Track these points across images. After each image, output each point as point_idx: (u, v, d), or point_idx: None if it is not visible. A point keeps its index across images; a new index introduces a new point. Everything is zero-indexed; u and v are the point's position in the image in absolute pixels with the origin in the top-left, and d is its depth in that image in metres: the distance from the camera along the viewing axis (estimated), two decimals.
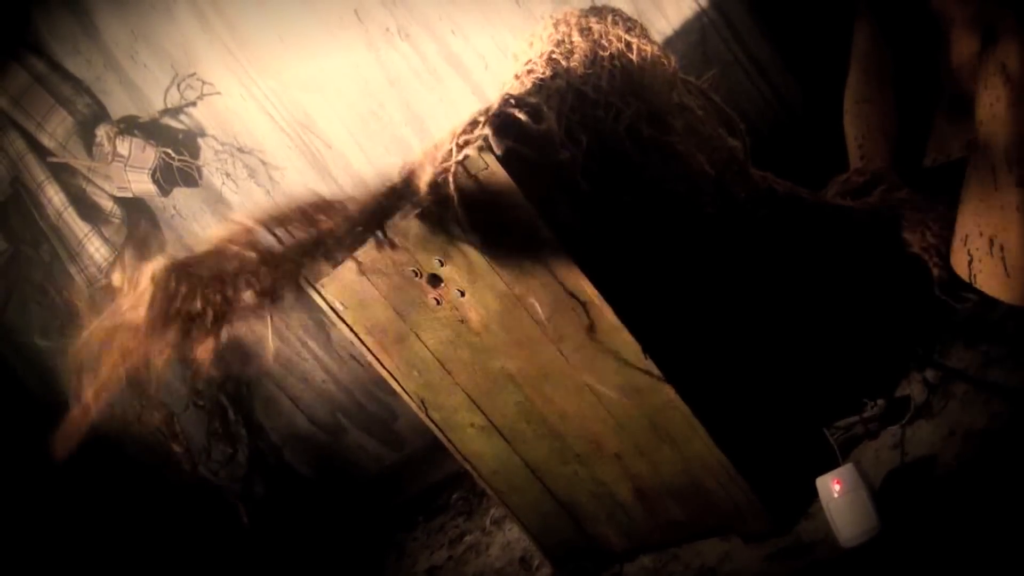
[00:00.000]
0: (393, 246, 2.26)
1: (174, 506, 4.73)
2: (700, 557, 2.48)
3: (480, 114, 2.12)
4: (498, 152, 2.04)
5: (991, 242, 2.33)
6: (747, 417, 2.38)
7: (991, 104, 2.35)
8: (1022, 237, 2.24)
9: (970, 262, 2.44)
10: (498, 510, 3.55)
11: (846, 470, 2.16)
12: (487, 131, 2.05)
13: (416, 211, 2.19)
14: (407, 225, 2.22)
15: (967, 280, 2.48)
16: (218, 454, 4.65)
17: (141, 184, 3.98)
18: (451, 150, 2.10)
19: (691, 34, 3.33)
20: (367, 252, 2.34)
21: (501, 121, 2.09)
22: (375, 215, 2.19)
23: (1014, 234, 2.25)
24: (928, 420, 2.34)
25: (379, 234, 2.22)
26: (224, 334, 2.14)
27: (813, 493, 2.22)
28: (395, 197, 2.20)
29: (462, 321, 2.35)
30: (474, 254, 2.19)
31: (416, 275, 2.31)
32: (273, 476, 4.76)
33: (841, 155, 3.11)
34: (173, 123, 4.03)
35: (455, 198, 2.10)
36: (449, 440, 2.73)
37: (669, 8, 3.31)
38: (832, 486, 2.14)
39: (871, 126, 3.03)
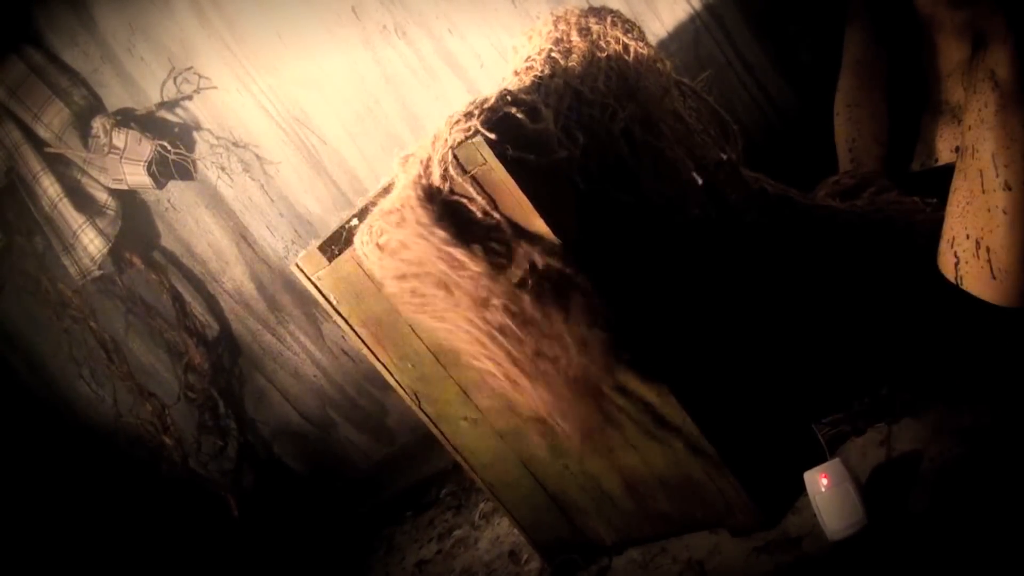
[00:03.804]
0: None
1: (164, 498, 4.74)
2: (688, 550, 2.52)
3: (476, 108, 2.15)
4: (496, 149, 2.06)
5: (977, 244, 2.37)
6: (737, 412, 2.41)
7: (979, 109, 2.39)
8: (1008, 239, 2.28)
9: (956, 264, 2.47)
10: (487, 505, 3.58)
11: (833, 465, 2.19)
12: (484, 128, 2.08)
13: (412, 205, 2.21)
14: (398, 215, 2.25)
15: (954, 281, 2.52)
16: (208, 447, 4.67)
17: (136, 176, 3.99)
18: (447, 142, 2.13)
19: (684, 36, 3.36)
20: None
21: (499, 118, 2.12)
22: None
23: (1000, 236, 2.30)
24: (914, 418, 2.38)
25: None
26: None
27: (801, 487, 2.25)
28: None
29: None
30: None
31: None
32: (262, 470, 4.77)
33: (831, 157, 3.14)
34: (169, 116, 4.05)
35: (452, 192, 2.14)
36: (442, 433, 2.75)
37: (663, 10, 3.34)
38: (819, 480, 2.18)
39: (861, 130, 3.07)
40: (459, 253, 2.10)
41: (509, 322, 2.11)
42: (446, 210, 2.13)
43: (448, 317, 2.19)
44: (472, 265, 2.10)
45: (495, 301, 2.10)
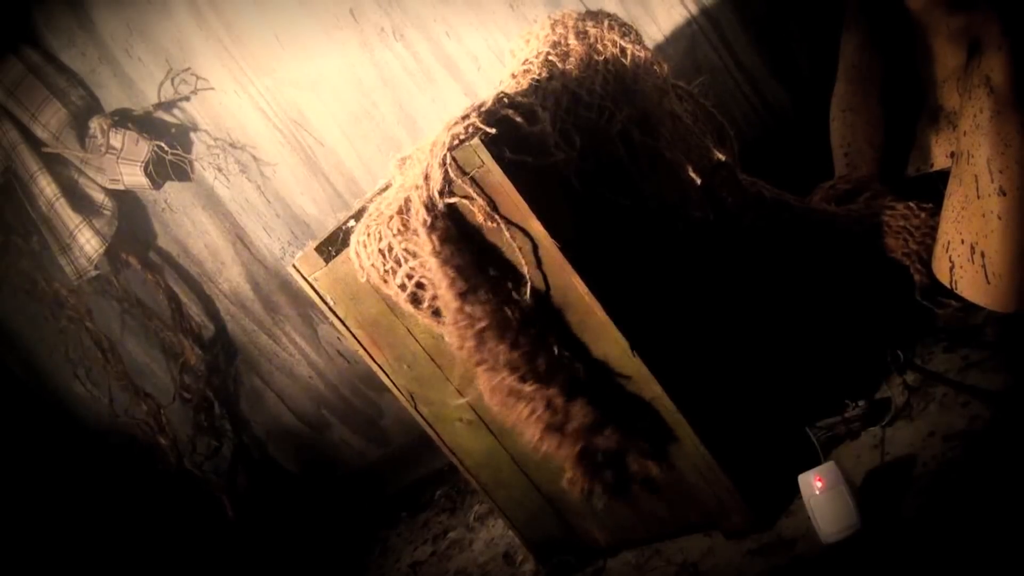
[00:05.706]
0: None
1: (159, 498, 4.74)
2: (682, 552, 2.52)
3: (474, 111, 2.16)
4: (493, 151, 2.07)
5: (972, 249, 2.38)
6: (732, 415, 2.42)
7: (975, 115, 2.41)
8: (1002, 244, 2.29)
9: (951, 268, 2.49)
10: (482, 506, 3.59)
11: (827, 468, 2.20)
12: (483, 129, 2.09)
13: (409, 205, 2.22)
14: (399, 220, 2.25)
15: (948, 286, 2.53)
16: (203, 447, 4.67)
17: (133, 177, 3.99)
18: (445, 145, 2.13)
19: (681, 40, 3.37)
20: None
21: (497, 120, 2.13)
22: None
23: (995, 241, 2.31)
24: (908, 421, 2.39)
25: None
26: None
27: (795, 490, 2.26)
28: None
29: None
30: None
31: None
32: (257, 470, 4.77)
33: (827, 162, 3.15)
34: (166, 117, 4.05)
35: (452, 194, 2.15)
36: (437, 434, 2.75)
37: (660, 14, 3.35)
38: (814, 483, 2.18)
39: (857, 135, 3.08)
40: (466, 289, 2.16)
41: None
42: (450, 222, 2.16)
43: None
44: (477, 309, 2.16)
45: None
